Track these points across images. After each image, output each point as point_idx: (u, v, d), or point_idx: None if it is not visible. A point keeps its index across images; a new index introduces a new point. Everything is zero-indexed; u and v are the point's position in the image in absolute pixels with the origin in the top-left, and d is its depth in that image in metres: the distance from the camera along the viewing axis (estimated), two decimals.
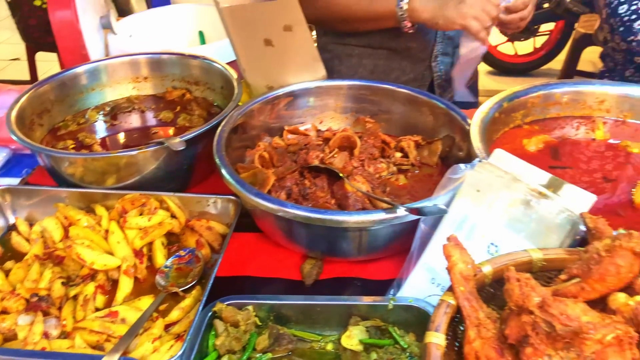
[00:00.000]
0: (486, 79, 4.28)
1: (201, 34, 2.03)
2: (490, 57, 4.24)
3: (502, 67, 4.28)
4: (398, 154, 1.22)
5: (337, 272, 1.01)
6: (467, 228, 0.88)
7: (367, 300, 0.86)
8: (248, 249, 1.07)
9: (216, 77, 1.46)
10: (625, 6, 1.48)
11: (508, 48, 4.29)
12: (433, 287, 0.89)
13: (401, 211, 0.90)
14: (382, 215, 0.90)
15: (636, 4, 1.49)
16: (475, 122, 1.10)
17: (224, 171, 1.01)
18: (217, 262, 0.95)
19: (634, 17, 1.46)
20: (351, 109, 1.34)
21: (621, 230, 0.67)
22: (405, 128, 1.29)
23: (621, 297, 0.62)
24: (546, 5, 4.02)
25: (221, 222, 1.10)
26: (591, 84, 1.26)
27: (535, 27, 4.14)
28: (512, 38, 4.18)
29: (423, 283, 0.90)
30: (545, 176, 0.88)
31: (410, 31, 1.40)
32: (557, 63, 4.12)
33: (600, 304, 0.65)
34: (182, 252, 1.05)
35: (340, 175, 1.06)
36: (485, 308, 0.69)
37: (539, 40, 4.31)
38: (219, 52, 1.58)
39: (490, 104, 1.17)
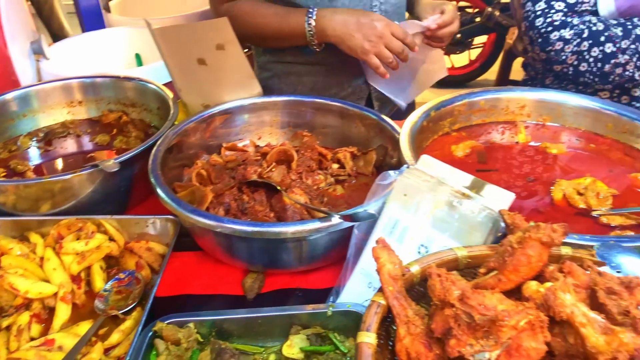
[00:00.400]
0: (425, 92, 4.43)
1: (138, 56, 2.03)
2: None
3: (440, 79, 4.44)
4: (335, 165, 1.25)
5: (279, 284, 1.03)
6: (399, 232, 0.92)
7: (307, 308, 0.88)
8: (189, 268, 1.07)
9: (152, 98, 1.46)
10: (541, 19, 1.57)
11: None
12: (370, 291, 0.91)
13: (335, 219, 0.92)
14: (317, 224, 0.93)
15: (551, 17, 1.59)
16: (404, 131, 1.15)
17: (159, 190, 1.01)
18: (156, 283, 0.95)
19: (550, 29, 1.56)
20: (288, 124, 1.38)
21: (531, 223, 0.72)
22: (341, 140, 1.33)
23: (533, 285, 0.67)
24: (478, 19, 4.24)
25: (161, 242, 1.09)
26: (512, 91, 1.35)
27: (469, 40, 4.34)
28: (447, 51, 4.37)
29: (360, 288, 0.93)
30: (468, 178, 0.93)
31: (318, 49, 1.45)
32: (492, 74, 4.33)
33: (516, 293, 0.69)
34: (121, 275, 1.04)
35: (278, 188, 1.08)
36: (414, 306, 0.72)
37: (474, 53, 4.52)
38: (156, 73, 1.58)
39: (418, 114, 1.23)
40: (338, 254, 1.01)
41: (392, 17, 1.61)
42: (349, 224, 0.93)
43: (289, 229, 0.92)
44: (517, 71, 3.99)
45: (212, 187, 1.12)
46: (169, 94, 1.39)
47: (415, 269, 0.77)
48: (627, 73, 1.45)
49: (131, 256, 1.07)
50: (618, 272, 0.73)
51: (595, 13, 1.56)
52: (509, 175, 1.18)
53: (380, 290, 0.74)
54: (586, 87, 1.67)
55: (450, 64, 4.50)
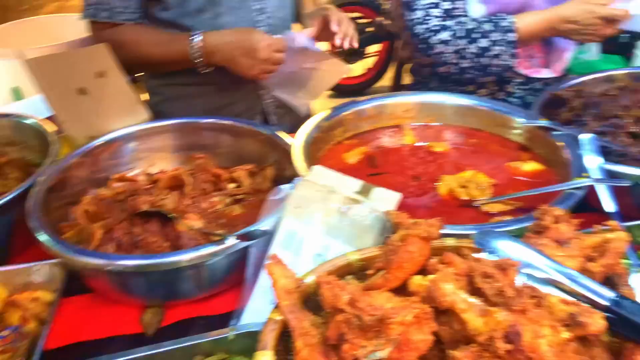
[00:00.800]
0: (326, 101, 4.53)
1: (16, 90, 1.88)
2: None
3: (339, 89, 4.53)
4: (231, 185, 1.23)
5: (180, 315, 0.99)
6: (295, 244, 0.92)
7: (208, 336, 0.85)
8: (82, 313, 1.00)
9: (31, 135, 1.36)
10: (421, 26, 1.66)
11: None
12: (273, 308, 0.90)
13: (230, 240, 0.91)
14: (213, 249, 0.91)
15: (428, 23, 1.69)
16: (297, 144, 1.17)
17: (39, 234, 0.94)
18: (43, 335, 0.88)
19: (429, 34, 1.65)
20: (181, 147, 1.34)
21: (411, 220, 0.75)
22: (237, 158, 1.31)
23: (417, 279, 0.69)
24: (370, 29, 4.42)
25: (49, 289, 1.01)
26: (396, 96, 1.41)
27: (362, 49, 4.50)
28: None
29: (263, 306, 0.91)
30: (357, 184, 0.96)
31: (206, 71, 1.46)
32: (388, 80, 4.52)
33: (404, 290, 0.71)
34: (4, 333, 0.94)
35: (169, 216, 1.05)
36: (310, 316, 0.72)
37: (370, 61, 4.70)
38: (37, 106, 1.47)
39: (310, 126, 1.25)
40: (239, 275, 0.99)
41: (279, 30, 1.63)
42: (245, 244, 0.92)
43: (183, 257, 0.90)
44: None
45: (102, 223, 1.07)
46: (49, 129, 1.30)
47: (310, 280, 0.78)
48: (503, 62, 1.57)
49: (15, 310, 0.98)
50: (496, 256, 0.77)
51: None
52: (399, 177, 1.23)
53: (277, 306, 0.73)
54: (468, 86, 1.79)
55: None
